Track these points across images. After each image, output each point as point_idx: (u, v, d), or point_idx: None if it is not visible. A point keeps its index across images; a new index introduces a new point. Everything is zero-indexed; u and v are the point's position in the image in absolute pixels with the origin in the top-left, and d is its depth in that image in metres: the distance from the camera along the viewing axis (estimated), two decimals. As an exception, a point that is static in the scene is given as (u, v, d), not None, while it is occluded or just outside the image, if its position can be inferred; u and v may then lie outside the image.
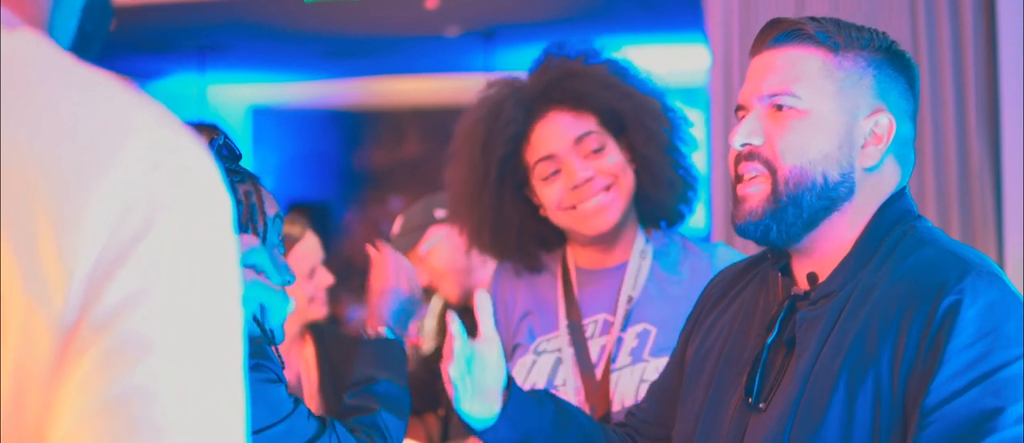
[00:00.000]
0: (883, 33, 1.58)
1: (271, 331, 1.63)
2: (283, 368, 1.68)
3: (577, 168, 2.10)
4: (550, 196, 2.14)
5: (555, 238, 2.23)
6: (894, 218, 1.53)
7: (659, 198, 2.15)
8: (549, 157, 2.12)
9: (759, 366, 1.54)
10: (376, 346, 1.88)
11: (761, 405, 1.52)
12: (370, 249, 1.98)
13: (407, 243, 3.28)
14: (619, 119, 2.14)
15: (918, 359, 1.39)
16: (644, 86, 2.18)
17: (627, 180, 2.13)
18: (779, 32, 1.56)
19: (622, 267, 2.18)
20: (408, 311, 1.95)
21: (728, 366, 1.62)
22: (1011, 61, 3.33)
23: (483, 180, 2.19)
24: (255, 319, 1.60)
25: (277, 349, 1.69)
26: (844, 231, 1.54)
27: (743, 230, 1.57)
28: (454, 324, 1.68)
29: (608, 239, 2.16)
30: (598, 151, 2.12)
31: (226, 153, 1.64)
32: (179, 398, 0.71)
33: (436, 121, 9.14)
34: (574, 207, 2.12)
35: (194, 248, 0.72)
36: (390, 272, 1.94)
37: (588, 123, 2.12)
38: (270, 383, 1.58)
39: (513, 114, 2.15)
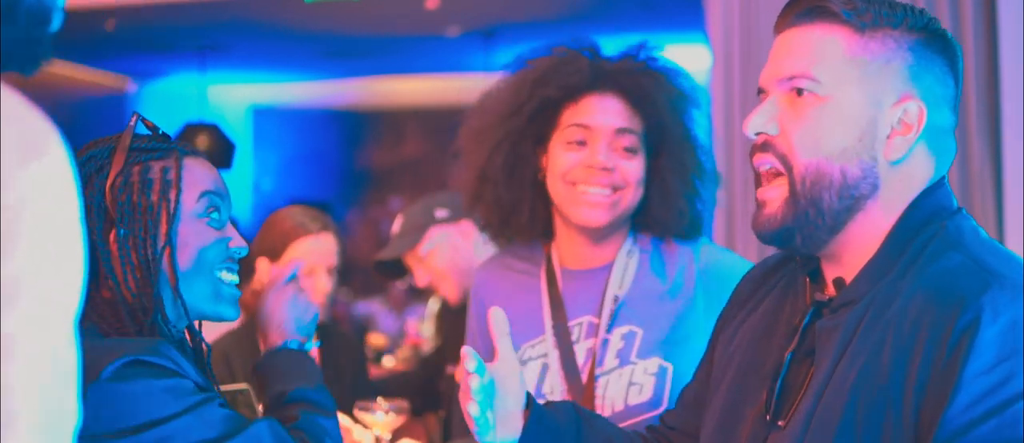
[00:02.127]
0: (920, 10, 1.42)
1: (166, 317, 1.54)
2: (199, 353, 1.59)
3: (602, 151, 2.06)
4: (562, 162, 2.09)
5: (542, 222, 2.19)
6: (925, 216, 1.39)
7: (665, 217, 2.12)
8: (584, 127, 2.08)
9: (780, 379, 1.42)
10: (278, 358, 1.77)
11: (781, 422, 1.40)
12: (259, 263, 1.88)
13: (407, 243, 3.28)
14: (659, 141, 2.11)
15: (932, 384, 1.24)
16: (693, 123, 2.14)
17: (634, 195, 2.10)
18: (803, 8, 1.42)
19: (606, 268, 2.14)
20: (307, 318, 1.85)
21: (747, 375, 1.51)
22: (1011, 61, 3.33)
23: (517, 110, 2.13)
24: (150, 300, 1.53)
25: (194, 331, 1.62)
26: (871, 231, 1.40)
27: (763, 237, 1.44)
28: (470, 362, 1.58)
29: (592, 235, 2.13)
30: (630, 152, 2.09)
31: (143, 135, 1.60)
32: (22, 361, 0.76)
33: (436, 121, 9.14)
34: (575, 184, 2.07)
35: (34, 225, 0.78)
36: (283, 285, 1.86)
37: (635, 123, 2.10)
38: (156, 379, 1.44)
39: (581, 70, 2.10)
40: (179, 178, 1.55)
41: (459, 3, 6.43)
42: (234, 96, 9.22)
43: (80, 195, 0.83)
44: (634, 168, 2.08)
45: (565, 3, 6.30)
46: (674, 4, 5.74)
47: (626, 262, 2.14)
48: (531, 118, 2.12)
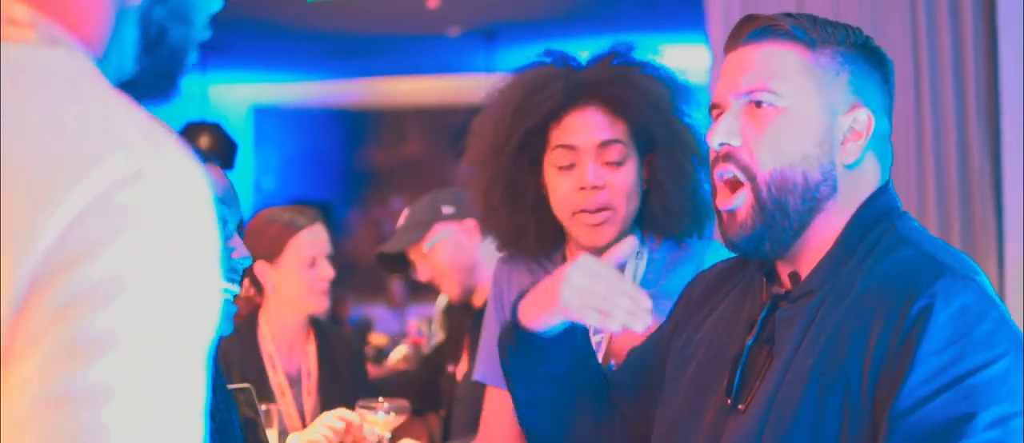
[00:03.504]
0: (857, 29, 1.55)
1: None
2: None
3: (590, 170, 2.08)
4: (558, 188, 2.13)
5: (551, 239, 2.22)
6: (876, 215, 1.50)
7: (667, 223, 2.14)
8: (569, 148, 2.11)
9: (740, 367, 1.51)
10: None
11: (740, 406, 1.49)
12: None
13: (411, 238, 3.28)
14: (650, 140, 2.12)
15: (888, 363, 1.35)
16: (688, 115, 2.15)
17: (628, 204, 2.12)
18: (754, 28, 1.53)
19: (617, 268, 2.18)
20: None
21: (708, 368, 1.59)
22: (1011, 60, 3.33)
23: (505, 141, 2.16)
24: None
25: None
26: (826, 230, 1.50)
27: (735, 245, 1.53)
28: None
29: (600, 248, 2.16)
30: (617, 163, 2.10)
31: None
32: (131, 405, 0.72)
33: (437, 121, 9.15)
34: (574, 213, 2.11)
35: (167, 256, 0.75)
36: None
37: (618, 131, 2.10)
38: None
39: (556, 93, 2.12)
40: None
41: (460, 3, 6.44)
42: (235, 95, 9.22)
43: (221, 224, 0.81)
44: (623, 178, 2.10)
45: (565, 3, 6.31)
46: (674, 4, 5.74)
47: (635, 264, 2.17)
48: (520, 147, 2.15)
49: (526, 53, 2.27)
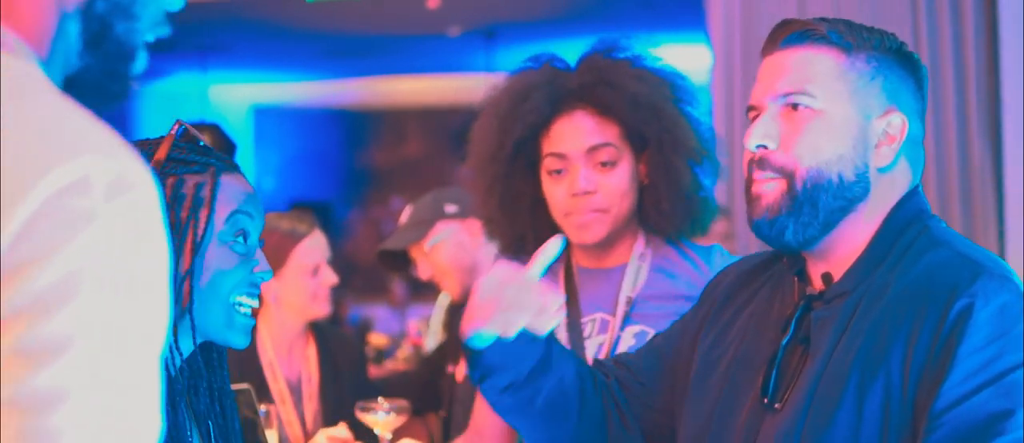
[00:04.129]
0: (892, 34, 1.57)
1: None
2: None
3: (581, 177, 2.08)
4: (551, 194, 2.14)
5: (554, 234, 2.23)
6: (908, 217, 1.53)
7: (660, 222, 2.14)
8: (559, 156, 2.10)
9: (775, 366, 1.54)
10: None
11: (777, 405, 1.51)
12: None
13: (413, 236, 3.28)
14: (643, 138, 2.11)
15: (929, 361, 1.38)
16: (681, 107, 2.13)
17: (621, 204, 2.11)
18: (790, 32, 1.55)
19: (620, 268, 2.17)
20: None
21: (741, 367, 1.61)
22: (1012, 59, 3.33)
23: (497, 152, 2.17)
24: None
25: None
26: (858, 231, 1.53)
27: (759, 227, 1.54)
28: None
29: (598, 245, 2.15)
30: (609, 165, 2.09)
31: (183, 144, 1.50)
32: (81, 410, 0.72)
33: (438, 121, 9.16)
34: (567, 215, 2.11)
35: (117, 260, 0.75)
36: None
37: (609, 133, 2.09)
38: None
39: (539, 103, 2.11)
40: (213, 197, 1.46)
41: (460, 2, 6.44)
42: (235, 96, 9.23)
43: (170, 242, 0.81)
44: (616, 179, 2.10)
45: (565, 3, 6.31)
46: (675, 4, 5.75)
47: (638, 265, 2.17)
48: (513, 157, 2.16)
49: (526, 53, 2.26)
